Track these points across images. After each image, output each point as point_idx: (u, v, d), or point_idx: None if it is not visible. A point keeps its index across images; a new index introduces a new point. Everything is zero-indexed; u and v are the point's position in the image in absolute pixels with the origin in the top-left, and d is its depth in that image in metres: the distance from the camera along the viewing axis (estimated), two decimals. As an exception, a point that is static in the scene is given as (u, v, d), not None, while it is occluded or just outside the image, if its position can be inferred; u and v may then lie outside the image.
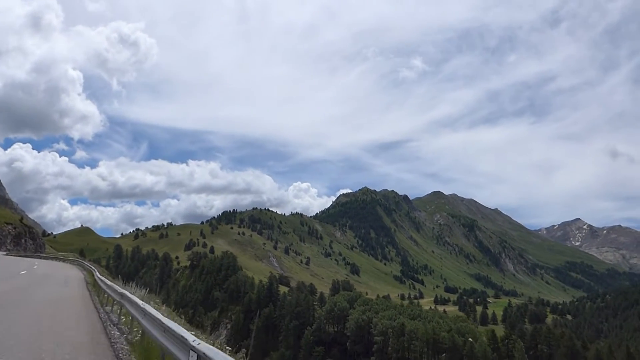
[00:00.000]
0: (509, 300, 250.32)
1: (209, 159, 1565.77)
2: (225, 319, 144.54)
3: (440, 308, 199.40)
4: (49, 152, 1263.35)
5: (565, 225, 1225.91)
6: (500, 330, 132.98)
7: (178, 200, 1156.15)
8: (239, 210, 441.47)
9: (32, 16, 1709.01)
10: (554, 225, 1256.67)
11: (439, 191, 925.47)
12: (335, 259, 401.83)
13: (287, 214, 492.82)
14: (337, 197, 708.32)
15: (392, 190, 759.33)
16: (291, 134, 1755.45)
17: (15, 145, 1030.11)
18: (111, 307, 17.31)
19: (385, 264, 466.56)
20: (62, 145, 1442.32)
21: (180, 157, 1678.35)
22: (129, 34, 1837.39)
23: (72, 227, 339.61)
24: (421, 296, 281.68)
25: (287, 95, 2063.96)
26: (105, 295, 19.32)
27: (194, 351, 6.34)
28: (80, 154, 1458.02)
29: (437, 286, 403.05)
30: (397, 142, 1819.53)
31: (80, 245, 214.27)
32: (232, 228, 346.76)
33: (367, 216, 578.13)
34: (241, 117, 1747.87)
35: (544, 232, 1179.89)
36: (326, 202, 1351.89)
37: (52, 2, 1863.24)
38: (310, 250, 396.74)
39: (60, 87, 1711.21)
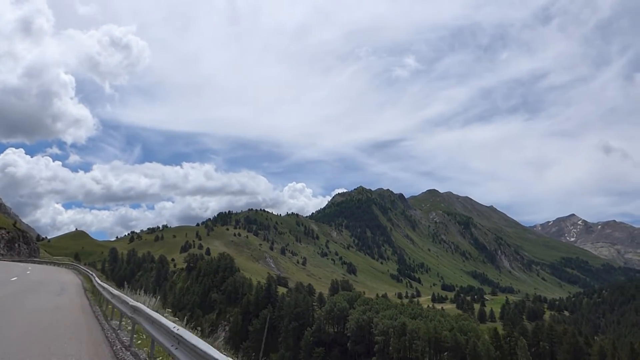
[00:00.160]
0: (506, 297, 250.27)
1: (203, 161, 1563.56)
2: (223, 321, 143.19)
3: (438, 306, 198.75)
4: (42, 156, 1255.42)
5: (560, 221, 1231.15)
6: (499, 328, 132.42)
7: (173, 202, 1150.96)
8: (234, 212, 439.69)
9: (23, 21, 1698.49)
10: (548, 222, 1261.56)
11: (434, 189, 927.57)
12: (331, 259, 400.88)
13: (282, 215, 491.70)
14: (333, 197, 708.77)
15: (388, 189, 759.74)
16: (285, 135, 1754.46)
17: (8, 150, 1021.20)
18: (119, 322, 14.09)
19: (381, 263, 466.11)
20: (55, 150, 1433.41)
21: (175, 159, 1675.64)
22: (121, 37, 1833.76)
23: (66, 231, 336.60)
24: (418, 294, 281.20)
25: (281, 96, 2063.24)
26: (110, 307, 16.60)
27: None
28: (74, 158, 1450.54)
29: (433, 284, 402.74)
30: (391, 141, 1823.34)
31: (75, 249, 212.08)
32: (227, 229, 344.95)
33: (363, 215, 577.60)
34: (235, 118, 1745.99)
35: (539, 228, 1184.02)
36: (321, 202, 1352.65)
37: (43, 6, 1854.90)
38: (307, 250, 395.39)
39: (52, 92, 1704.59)
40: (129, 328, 12.63)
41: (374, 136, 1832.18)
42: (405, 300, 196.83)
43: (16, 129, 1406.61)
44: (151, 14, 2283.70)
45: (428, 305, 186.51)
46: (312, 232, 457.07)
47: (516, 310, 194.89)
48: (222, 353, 6.35)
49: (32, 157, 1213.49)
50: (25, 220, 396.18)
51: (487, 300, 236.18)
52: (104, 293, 18.60)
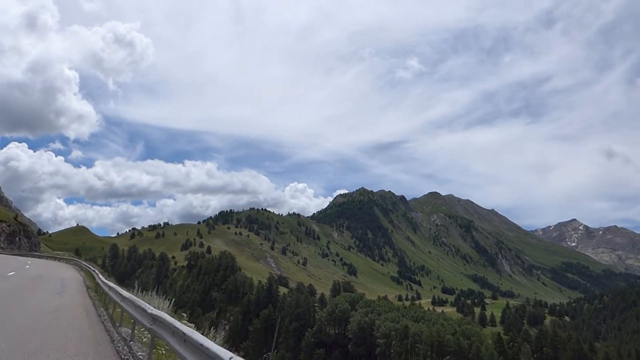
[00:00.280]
0: (506, 301, 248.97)
1: (205, 159, 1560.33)
2: (223, 320, 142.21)
3: (439, 309, 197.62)
4: (45, 151, 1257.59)
5: (561, 225, 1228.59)
6: (496, 331, 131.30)
7: (174, 200, 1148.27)
8: (235, 210, 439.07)
9: (28, 16, 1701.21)
10: (549, 226, 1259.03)
11: (435, 192, 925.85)
12: (332, 260, 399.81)
13: (284, 215, 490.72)
14: (334, 198, 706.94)
15: (389, 191, 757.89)
16: (287, 135, 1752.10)
17: (11, 145, 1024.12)
18: (131, 331, 11.62)
19: (382, 265, 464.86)
20: (58, 145, 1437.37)
21: (177, 157, 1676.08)
22: (125, 34, 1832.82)
23: (67, 226, 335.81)
24: (418, 297, 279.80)
25: (283, 96, 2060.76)
26: (118, 310, 14.49)
27: None
28: (76, 153, 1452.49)
29: (434, 287, 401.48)
30: (393, 143, 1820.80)
31: (76, 244, 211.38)
32: (229, 228, 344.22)
33: (364, 217, 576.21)
34: (237, 117, 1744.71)
35: (540, 232, 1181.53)
36: (323, 202, 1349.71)
37: (48, 2, 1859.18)
38: (308, 250, 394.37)
39: (56, 87, 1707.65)
40: (144, 340, 10.81)
41: (376, 137, 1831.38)
42: (407, 303, 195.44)
43: (19, 123, 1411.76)
44: (155, 11, 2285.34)
45: (428, 308, 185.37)
46: (313, 233, 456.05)
47: (517, 314, 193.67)
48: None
49: (34, 151, 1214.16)
50: (26, 214, 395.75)
51: (488, 304, 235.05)
52: (112, 294, 16.07)
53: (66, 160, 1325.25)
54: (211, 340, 6.62)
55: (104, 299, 19.13)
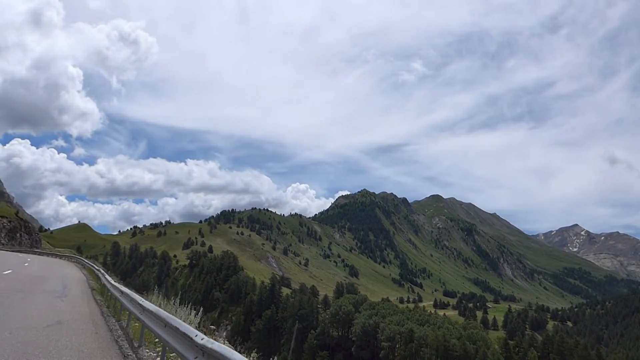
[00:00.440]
0: (508, 305, 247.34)
1: (207, 159, 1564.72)
2: (225, 320, 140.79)
3: (440, 312, 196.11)
4: (48, 148, 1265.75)
5: (563, 230, 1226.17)
6: (502, 337, 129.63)
7: (176, 199, 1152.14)
8: (237, 210, 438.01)
9: (33, 13, 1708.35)
10: (551, 231, 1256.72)
11: (437, 195, 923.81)
12: (334, 261, 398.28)
13: (285, 215, 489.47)
14: (336, 199, 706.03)
15: (391, 193, 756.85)
16: (290, 135, 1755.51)
17: (14, 141, 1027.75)
18: (159, 357, 8.80)
19: (384, 267, 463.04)
20: (60, 142, 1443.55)
21: (179, 156, 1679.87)
22: (130, 32, 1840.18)
23: (69, 223, 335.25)
24: (420, 300, 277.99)
25: (287, 97, 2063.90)
26: (136, 324, 12.04)
27: None
28: (79, 151, 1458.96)
29: (435, 290, 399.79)
30: (395, 145, 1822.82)
31: (77, 241, 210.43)
32: (230, 228, 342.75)
33: (366, 218, 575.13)
34: (240, 117, 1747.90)
35: (542, 237, 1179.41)
36: (324, 203, 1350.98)
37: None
38: (309, 251, 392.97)
39: (59, 84, 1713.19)
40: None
41: (379, 140, 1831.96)
42: (409, 305, 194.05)
43: (23, 120, 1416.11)
44: (160, 10, 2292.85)
45: (431, 312, 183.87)
46: (314, 234, 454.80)
47: (519, 319, 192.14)
48: None
49: (37, 148, 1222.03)
50: (28, 211, 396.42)
51: (490, 308, 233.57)
52: (126, 302, 12.97)
53: (69, 158, 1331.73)
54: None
55: (114, 304, 16.44)
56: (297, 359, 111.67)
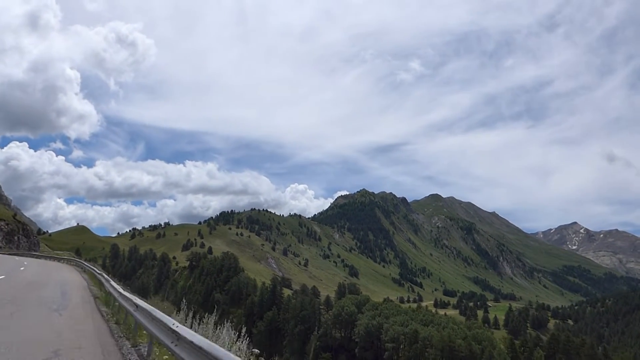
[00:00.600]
0: (509, 304, 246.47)
1: (206, 160, 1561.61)
2: (226, 322, 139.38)
3: (441, 311, 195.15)
4: (46, 151, 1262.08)
5: (562, 229, 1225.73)
6: (501, 334, 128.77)
7: (175, 200, 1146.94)
8: (236, 211, 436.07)
9: (30, 15, 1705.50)
10: (550, 229, 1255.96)
11: (436, 194, 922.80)
12: (333, 261, 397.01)
13: (285, 215, 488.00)
14: (336, 199, 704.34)
15: (390, 193, 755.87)
16: (288, 136, 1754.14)
17: (12, 144, 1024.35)
18: None
19: (383, 267, 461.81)
20: (58, 145, 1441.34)
21: (177, 157, 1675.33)
22: (127, 34, 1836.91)
23: (68, 226, 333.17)
24: (420, 299, 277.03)
25: (285, 97, 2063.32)
26: (159, 349, 9.56)
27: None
28: (77, 153, 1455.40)
29: (435, 289, 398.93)
30: (394, 145, 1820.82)
31: (76, 244, 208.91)
32: (230, 229, 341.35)
33: (366, 218, 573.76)
34: (239, 118, 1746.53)
35: (541, 235, 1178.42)
36: (323, 204, 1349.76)
37: (51, 1, 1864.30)
38: (309, 251, 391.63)
39: (57, 87, 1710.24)
40: None
41: (377, 139, 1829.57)
42: (409, 305, 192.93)
43: (20, 122, 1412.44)
44: (158, 11, 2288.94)
45: (434, 311, 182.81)
46: (314, 234, 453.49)
47: (520, 317, 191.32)
48: None
49: (35, 151, 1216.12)
50: (27, 214, 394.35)
51: (490, 306, 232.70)
52: (150, 326, 9.51)
53: (67, 160, 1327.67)
54: None
55: (125, 319, 13.39)
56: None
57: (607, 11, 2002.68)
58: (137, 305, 11.54)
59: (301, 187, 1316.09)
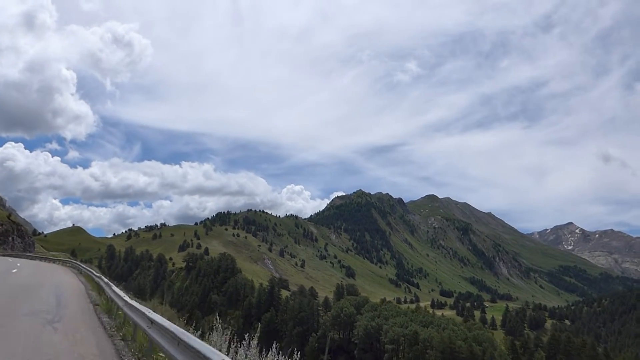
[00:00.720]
0: (506, 304, 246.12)
1: (202, 161, 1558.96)
2: (223, 324, 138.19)
3: (438, 312, 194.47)
4: (41, 151, 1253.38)
5: (557, 229, 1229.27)
6: (499, 335, 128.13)
7: (171, 201, 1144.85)
8: (233, 212, 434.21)
9: (26, 15, 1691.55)
10: (546, 229, 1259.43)
11: (433, 194, 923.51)
12: (330, 262, 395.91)
13: (281, 216, 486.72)
14: (332, 200, 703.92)
15: (387, 194, 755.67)
16: (285, 137, 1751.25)
17: (8, 145, 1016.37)
18: None
19: (380, 267, 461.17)
20: (54, 145, 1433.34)
21: (174, 158, 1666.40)
22: (123, 34, 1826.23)
23: (63, 227, 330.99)
24: (417, 300, 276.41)
25: (281, 98, 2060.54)
26: None
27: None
28: (73, 154, 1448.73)
29: (432, 290, 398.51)
30: (390, 146, 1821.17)
31: (72, 244, 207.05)
32: (226, 229, 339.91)
33: (362, 219, 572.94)
34: (235, 119, 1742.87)
35: (537, 236, 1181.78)
36: (319, 204, 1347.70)
37: (46, 1, 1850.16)
38: (305, 252, 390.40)
39: (53, 87, 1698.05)
40: None
41: (374, 140, 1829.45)
42: (406, 306, 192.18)
43: (16, 123, 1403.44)
44: (154, 12, 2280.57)
45: (434, 313, 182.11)
46: (311, 235, 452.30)
47: (517, 318, 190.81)
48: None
49: (31, 151, 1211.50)
50: (22, 214, 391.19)
51: (487, 307, 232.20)
52: (178, 355, 7.04)
53: (62, 161, 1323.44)
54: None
55: (134, 335, 10.99)
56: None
57: (602, 12, 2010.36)
58: (152, 321, 9.01)
59: (297, 188, 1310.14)
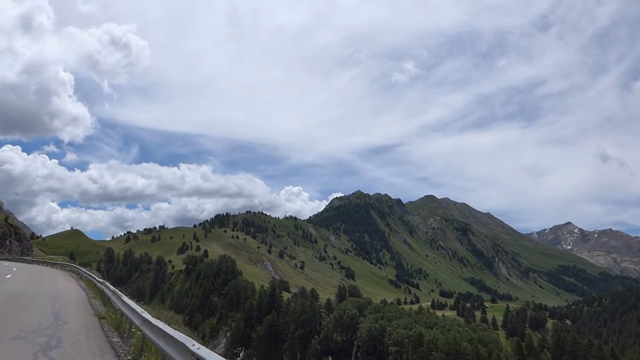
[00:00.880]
0: (507, 304, 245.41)
1: (200, 163, 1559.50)
2: (224, 326, 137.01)
3: (439, 313, 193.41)
4: (39, 154, 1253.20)
5: (556, 229, 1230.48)
6: (501, 335, 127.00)
7: (169, 203, 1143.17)
8: (232, 214, 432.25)
9: (23, 17, 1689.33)
10: (545, 229, 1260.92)
11: (431, 195, 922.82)
12: (330, 263, 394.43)
13: (280, 218, 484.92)
14: (331, 201, 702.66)
15: (385, 194, 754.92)
16: (283, 138, 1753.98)
17: (5, 147, 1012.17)
18: None
19: (380, 268, 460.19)
20: (52, 148, 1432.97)
21: (172, 160, 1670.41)
22: (121, 36, 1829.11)
23: (61, 230, 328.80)
24: (417, 300, 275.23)
25: (279, 99, 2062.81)
26: None
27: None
28: (71, 156, 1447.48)
29: (432, 290, 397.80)
30: (388, 146, 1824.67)
31: (70, 248, 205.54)
32: (225, 231, 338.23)
33: (361, 220, 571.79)
34: (233, 120, 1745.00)
35: (536, 236, 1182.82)
36: (318, 206, 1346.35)
37: (44, 3, 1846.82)
38: (305, 254, 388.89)
39: (50, 89, 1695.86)
40: None
41: (372, 141, 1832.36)
42: (407, 307, 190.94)
43: (13, 125, 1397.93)
44: (151, 13, 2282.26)
45: (439, 314, 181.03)
46: (310, 236, 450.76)
47: (518, 318, 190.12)
48: None
49: (28, 154, 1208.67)
50: (20, 218, 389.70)
51: (487, 307, 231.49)
52: None
53: (60, 164, 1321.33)
54: None
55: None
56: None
57: (599, 11, 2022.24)
58: (195, 355, 6.08)
59: (296, 189, 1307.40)
